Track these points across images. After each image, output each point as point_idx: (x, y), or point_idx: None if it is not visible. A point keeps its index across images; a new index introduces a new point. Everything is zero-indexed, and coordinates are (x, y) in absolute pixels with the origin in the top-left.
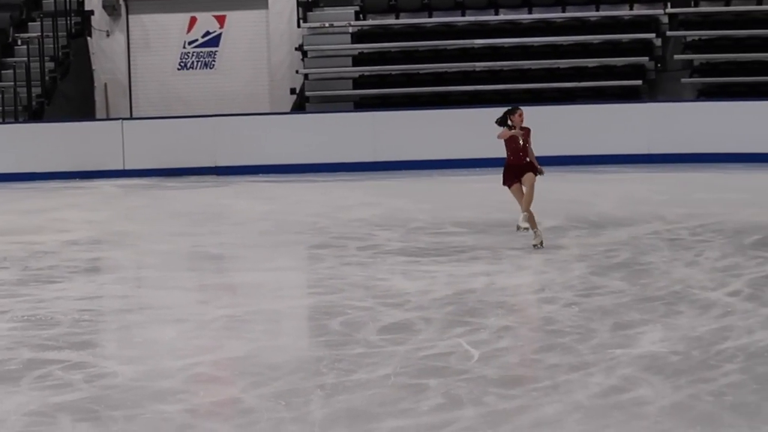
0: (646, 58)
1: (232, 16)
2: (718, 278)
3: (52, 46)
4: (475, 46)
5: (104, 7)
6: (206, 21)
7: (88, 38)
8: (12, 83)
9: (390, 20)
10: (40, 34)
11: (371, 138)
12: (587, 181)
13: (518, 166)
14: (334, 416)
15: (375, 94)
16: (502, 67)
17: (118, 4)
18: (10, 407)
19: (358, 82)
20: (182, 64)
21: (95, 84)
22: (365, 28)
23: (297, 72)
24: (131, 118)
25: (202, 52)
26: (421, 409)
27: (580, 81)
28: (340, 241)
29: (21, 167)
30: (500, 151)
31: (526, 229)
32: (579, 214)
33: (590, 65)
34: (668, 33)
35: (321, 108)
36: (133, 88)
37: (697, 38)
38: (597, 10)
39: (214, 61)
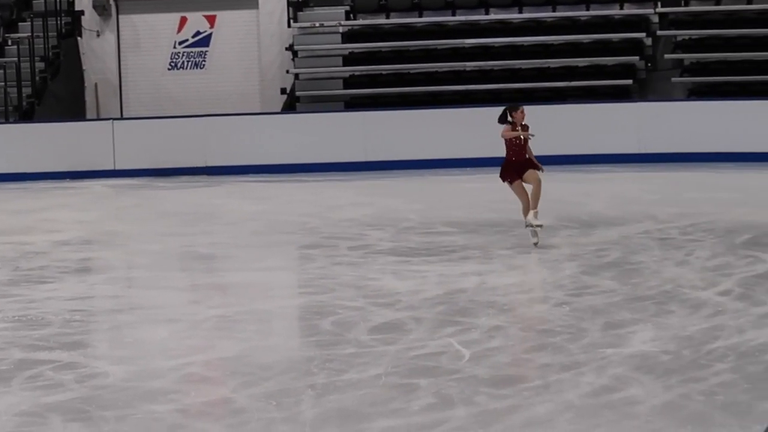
0: (637, 58)
1: (223, 16)
2: (709, 278)
3: (42, 46)
4: (466, 45)
5: (94, 7)
6: (197, 21)
7: (79, 38)
8: (2, 83)
9: (380, 20)
10: (30, 34)
11: (362, 138)
12: (578, 180)
13: (519, 162)
14: (325, 416)
15: (366, 93)
16: (493, 67)
17: (109, 4)
18: (1, 408)
19: (349, 82)
20: (173, 64)
21: (86, 84)
22: (356, 27)
23: (287, 72)
24: (122, 118)
25: (192, 52)
26: (412, 409)
27: (570, 80)
28: (331, 241)
29: (11, 167)
30: (492, 151)
31: (540, 226)
32: (570, 214)
33: (581, 65)
34: (659, 32)
35: (312, 108)
36: (123, 88)
37: (687, 38)
38: (587, 10)
39: (204, 61)
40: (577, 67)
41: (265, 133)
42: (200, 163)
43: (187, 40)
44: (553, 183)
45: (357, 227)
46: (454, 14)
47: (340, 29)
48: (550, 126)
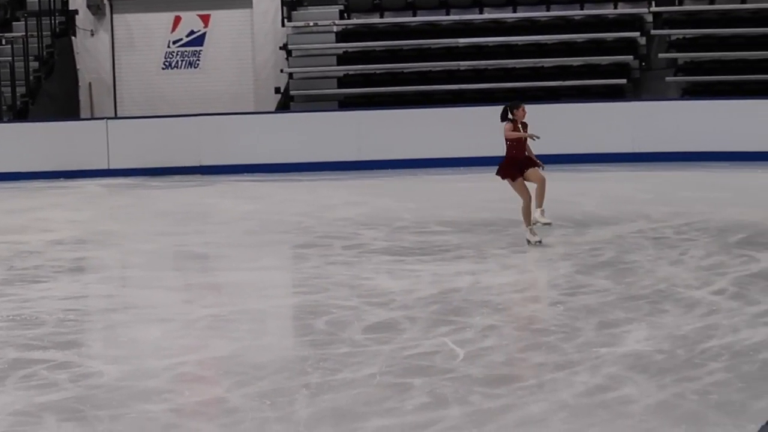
0: (631, 57)
1: (217, 16)
2: (703, 277)
3: (36, 45)
4: (460, 45)
5: (88, 6)
6: (190, 20)
7: (73, 38)
8: None
9: (374, 19)
10: (24, 33)
11: (356, 137)
12: (572, 179)
13: (520, 160)
14: (319, 416)
15: (359, 93)
16: (487, 66)
17: (103, 4)
18: None
19: (343, 81)
20: (167, 63)
21: (80, 83)
22: (349, 27)
23: (281, 71)
24: (116, 117)
25: (186, 51)
26: (406, 409)
27: (564, 80)
28: (325, 240)
29: (5, 167)
30: (486, 150)
31: (548, 223)
32: (564, 213)
33: (575, 64)
34: (653, 32)
35: (305, 107)
36: (117, 88)
37: (681, 37)
38: (581, 9)
39: (198, 60)
40: (571, 66)
41: (258, 132)
42: (194, 162)
43: (181, 39)
44: (547, 182)
45: (351, 226)
46: (447, 13)
47: (334, 28)
48: (544, 125)
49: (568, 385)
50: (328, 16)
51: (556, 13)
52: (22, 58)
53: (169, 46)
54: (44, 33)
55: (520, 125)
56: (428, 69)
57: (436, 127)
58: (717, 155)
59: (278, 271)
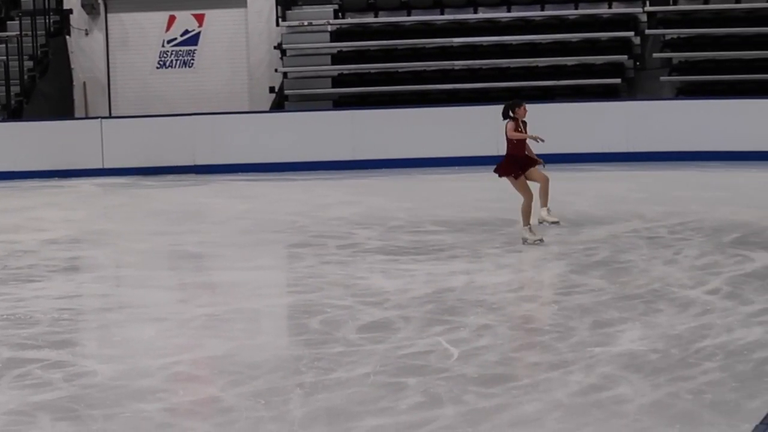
0: (625, 57)
1: (211, 15)
2: (698, 276)
3: (30, 44)
4: (454, 44)
5: (83, 5)
6: (185, 20)
7: (67, 37)
8: None
9: (369, 19)
10: (18, 32)
11: (350, 136)
12: (566, 179)
13: (521, 158)
14: (314, 415)
15: (354, 92)
16: (481, 66)
17: (97, 3)
18: None
19: (337, 81)
20: (161, 62)
21: (74, 83)
22: (344, 26)
23: (276, 70)
24: (110, 116)
25: (181, 50)
26: (401, 408)
27: (559, 79)
28: (320, 239)
29: None
30: (480, 150)
31: (556, 222)
32: (558, 213)
33: (569, 63)
34: (647, 31)
35: (300, 106)
36: (112, 87)
37: (675, 36)
38: (576, 9)
39: (193, 59)
40: (565, 66)
41: (253, 131)
42: (189, 161)
43: (175, 38)
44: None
45: (345, 226)
46: (442, 13)
47: (329, 28)
48: (538, 125)
49: (562, 384)
50: (323, 16)
51: (550, 12)
52: (16, 57)
53: (163, 46)
54: (39, 32)
55: (521, 124)
56: (423, 68)
57: (431, 127)
58: (711, 155)
59: (273, 271)
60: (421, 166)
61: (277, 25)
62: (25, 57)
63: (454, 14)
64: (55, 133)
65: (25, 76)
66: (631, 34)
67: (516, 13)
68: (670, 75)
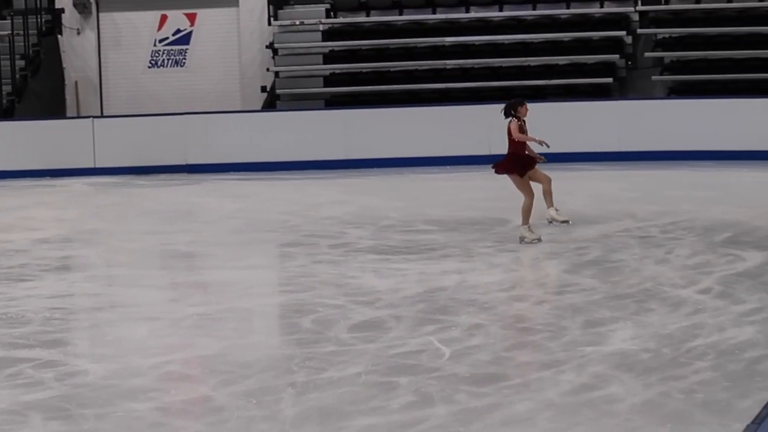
0: (617, 56)
1: (203, 14)
2: (689, 276)
3: (22, 44)
4: (446, 43)
5: (75, 4)
6: (177, 19)
7: (59, 36)
8: None
9: (361, 18)
10: (10, 32)
11: (342, 136)
12: (558, 178)
13: (523, 156)
14: (305, 414)
15: (346, 91)
16: (473, 65)
17: (89, 2)
18: None
19: (329, 80)
20: (153, 62)
21: (66, 82)
22: (336, 25)
23: (268, 70)
24: (102, 116)
25: (172, 50)
26: (392, 407)
27: (550, 79)
28: (312, 239)
29: None
30: (472, 149)
31: (566, 221)
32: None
33: (561, 63)
34: (639, 30)
35: (292, 106)
36: (103, 86)
37: (667, 36)
38: (567, 8)
39: (184, 59)
40: (557, 65)
41: (245, 131)
42: (180, 161)
43: (167, 38)
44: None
45: (337, 225)
46: (434, 12)
47: (321, 27)
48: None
49: (554, 383)
50: (315, 15)
51: (542, 12)
52: (8, 56)
53: (155, 45)
54: (30, 31)
55: (522, 123)
56: (415, 68)
57: (423, 126)
58: (703, 154)
59: (264, 270)
60: (413, 166)
61: (269, 24)
62: (16, 56)
63: (446, 14)
64: (46, 133)
65: (17, 76)
66: (622, 33)
67: (508, 13)
68: (662, 74)
